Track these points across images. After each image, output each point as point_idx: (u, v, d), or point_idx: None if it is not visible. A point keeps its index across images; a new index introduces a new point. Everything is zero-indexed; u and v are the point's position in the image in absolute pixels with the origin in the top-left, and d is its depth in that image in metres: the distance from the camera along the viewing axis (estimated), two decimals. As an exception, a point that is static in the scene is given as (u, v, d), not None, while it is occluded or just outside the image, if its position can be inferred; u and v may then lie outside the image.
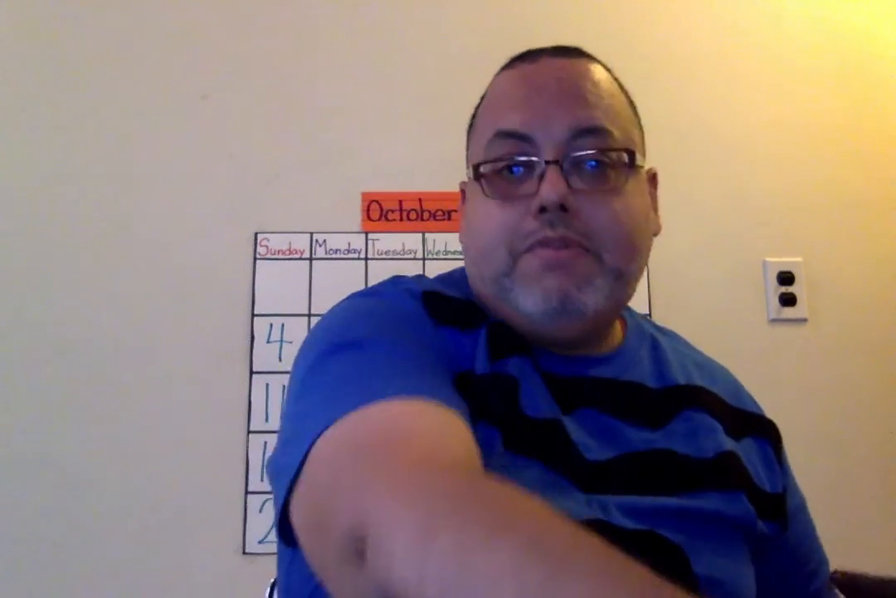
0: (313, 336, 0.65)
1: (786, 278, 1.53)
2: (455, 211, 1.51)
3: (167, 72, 1.57)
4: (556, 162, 0.63)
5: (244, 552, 1.37)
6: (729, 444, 0.68)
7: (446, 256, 1.51)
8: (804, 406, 1.49)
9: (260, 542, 1.37)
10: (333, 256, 1.51)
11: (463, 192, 0.75)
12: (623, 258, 0.65)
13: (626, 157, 0.66)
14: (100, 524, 1.37)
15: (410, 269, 1.49)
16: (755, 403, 0.78)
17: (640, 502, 0.60)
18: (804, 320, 1.53)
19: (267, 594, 0.83)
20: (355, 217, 1.53)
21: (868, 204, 1.58)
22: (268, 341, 1.46)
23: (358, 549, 0.43)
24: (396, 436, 0.49)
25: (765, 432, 0.74)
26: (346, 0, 1.62)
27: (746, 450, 0.70)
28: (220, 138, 1.55)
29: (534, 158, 0.65)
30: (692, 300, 1.52)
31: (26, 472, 1.39)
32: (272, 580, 0.80)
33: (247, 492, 1.40)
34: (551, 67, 0.68)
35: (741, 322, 1.52)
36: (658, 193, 0.75)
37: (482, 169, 0.67)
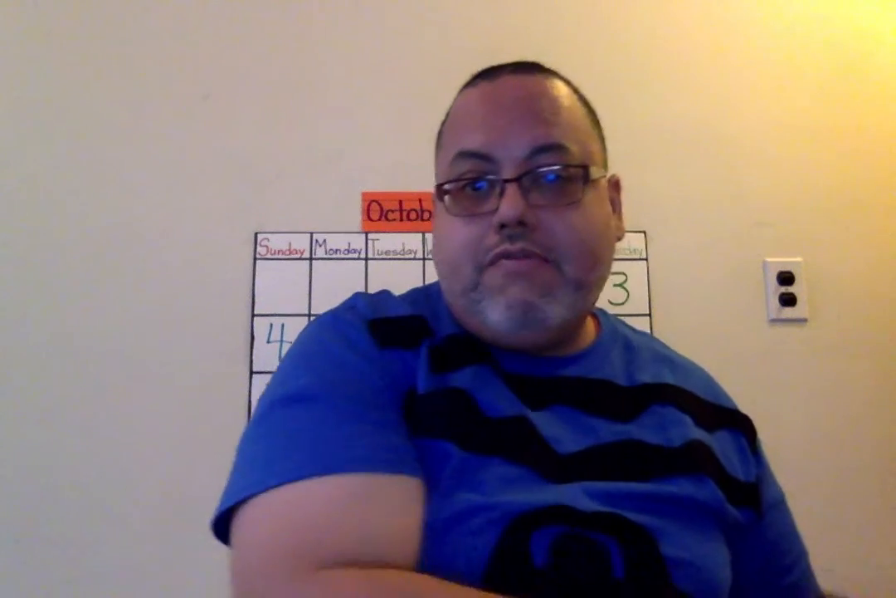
0: (281, 367, 0.69)
1: (786, 278, 1.53)
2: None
3: (168, 72, 1.57)
4: (515, 180, 0.66)
5: (244, 552, 1.37)
6: (698, 434, 0.70)
7: (446, 256, 1.50)
8: (804, 406, 1.49)
9: (260, 542, 1.37)
10: (333, 256, 1.51)
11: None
12: (583, 269, 0.67)
13: (582, 171, 0.68)
14: (100, 524, 1.37)
15: (410, 269, 1.50)
16: (730, 399, 0.81)
17: (607, 487, 0.62)
18: (804, 320, 1.53)
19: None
20: (355, 217, 1.53)
21: (868, 204, 1.59)
22: (268, 341, 1.47)
23: None
24: (328, 533, 0.54)
25: (739, 425, 0.77)
26: (346, 0, 1.62)
27: (720, 441, 0.73)
28: (221, 138, 1.55)
29: (494, 177, 0.67)
30: (692, 300, 1.52)
31: (26, 472, 1.39)
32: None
33: (247, 492, 1.39)
34: (510, 86, 0.70)
35: (741, 322, 1.52)
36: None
37: (446, 187, 0.70)
